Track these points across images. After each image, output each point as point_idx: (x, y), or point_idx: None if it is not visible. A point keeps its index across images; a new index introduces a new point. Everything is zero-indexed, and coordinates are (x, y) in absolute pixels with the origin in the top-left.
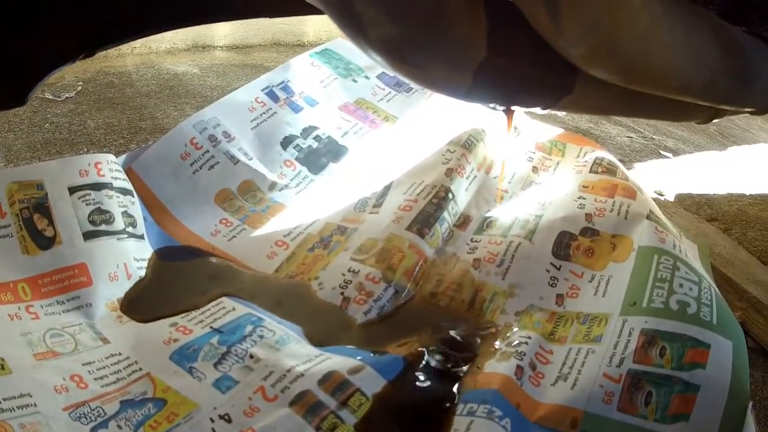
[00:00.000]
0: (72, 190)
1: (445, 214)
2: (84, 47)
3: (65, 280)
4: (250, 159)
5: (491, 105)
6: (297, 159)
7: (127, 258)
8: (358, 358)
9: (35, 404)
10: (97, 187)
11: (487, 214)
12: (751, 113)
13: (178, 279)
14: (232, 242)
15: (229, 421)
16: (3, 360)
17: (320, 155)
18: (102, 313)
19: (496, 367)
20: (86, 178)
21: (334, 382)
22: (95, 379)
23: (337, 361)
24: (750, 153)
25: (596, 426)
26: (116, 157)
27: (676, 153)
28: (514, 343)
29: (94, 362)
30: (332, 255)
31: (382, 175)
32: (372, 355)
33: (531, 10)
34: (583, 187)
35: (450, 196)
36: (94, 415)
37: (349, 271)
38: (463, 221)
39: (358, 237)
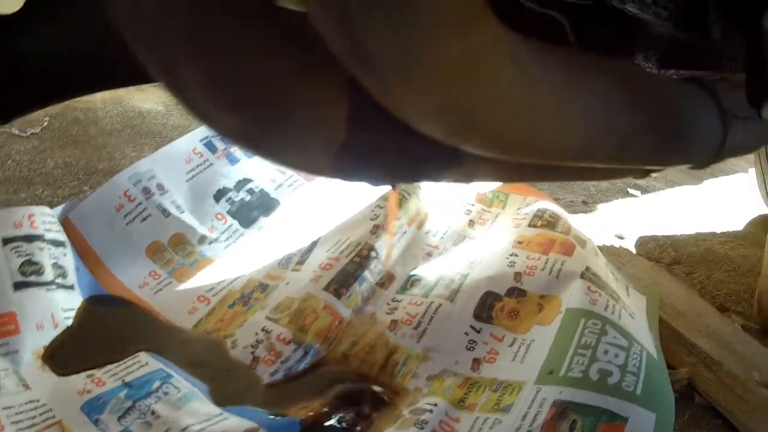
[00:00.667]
0: (5, 242)
1: (367, 273)
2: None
3: None
4: (182, 212)
5: (370, 183)
6: (229, 212)
7: (54, 308)
8: (255, 419)
9: None
10: (30, 239)
11: (413, 272)
12: (691, 168)
13: (101, 330)
14: (158, 295)
15: None
16: None
17: (252, 208)
18: (27, 360)
19: None
20: (19, 230)
21: None
22: (11, 422)
23: (233, 422)
24: (726, 185)
25: None
26: (54, 207)
27: (645, 191)
28: (419, 409)
29: (14, 407)
30: (250, 312)
31: (310, 231)
32: (270, 417)
33: (375, 92)
34: (518, 242)
35: (373, 254)
36: None
37: (262, 330)
38: (386, 280)
39: (277, 295)
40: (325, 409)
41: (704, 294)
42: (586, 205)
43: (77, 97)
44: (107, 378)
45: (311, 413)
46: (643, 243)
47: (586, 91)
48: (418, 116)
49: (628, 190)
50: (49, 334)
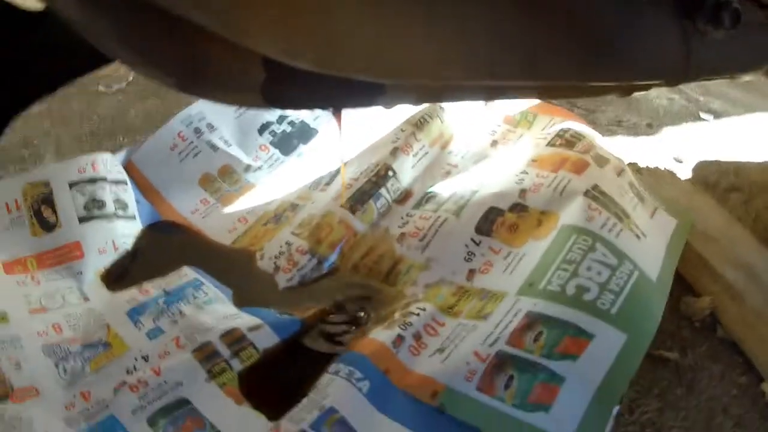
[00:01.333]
0: (71, 185)
1: (383, 190)
2: None
3: (63, 255)
4: (229, 146)
5: (306, 109)
6: (271, 143)
7: (115, 235)
8: (263, 318)
9: (23, 346)
10: (93, 181)
11: (429, 190)
12: (662, 85)
13: (155, 252)
14: (206, 219)
15: (147, 360)
16: (6, 313)
17: (292, 138)
18: (90, 279)
19: (379, 334)
20: (83, 175)
21: (233, 337)
22: (70, 326)
23: (243, 320)
24: None
25: (453, 401)
26: (118, 153)
27: (719, 116)
28: (408, 313)
29: (73, 315)
30: (278, 229)
31: (342, 154)
32: (276, 316)
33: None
34: (532, 161)
35: (390, 173)
36: (60, 351)
37: (285, 243)
38: (404, 197)
39: (303, 213)
40: (327, 310)
41: (757, 224)
42: (650, 128)
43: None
44: (152, 289)
45: (311, 315)
46: (702, 167)
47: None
48: (254, 38)
49: (700, 113)
50: (110, 257)
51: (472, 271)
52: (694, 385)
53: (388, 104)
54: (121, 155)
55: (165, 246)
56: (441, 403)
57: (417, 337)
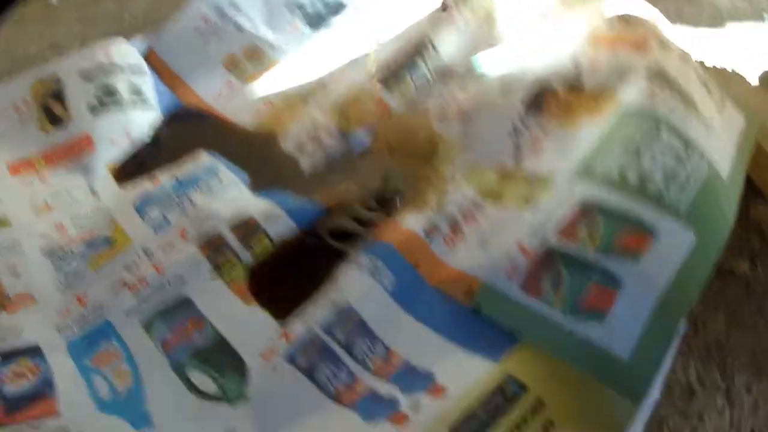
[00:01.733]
0: (83, 76)
1: (421, 64)
2: None
3: (73, 149)
4: (257, 26)
5: None
6: (300, 21)
7: (129, 126)
8: (280, 203)
9: (23, 251)
10: (106, 69)
11: (473, 66)
12: None
13: (176, 140)
14: (230, 103)
15: (149, 256)
16: (7, 217)
17: (322, 14)
18: (101, 173)
19: (410, 221)
20: (96, 63)
21: (246, 228)
22: (75, 226)
23: (259, 206)
24: None
25: (491, 302)
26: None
27: None
28: (446, 196)
29: (80, 213)
30: (305, 109)
31: (376, 31)
32: (295, 201)
33: None
34: (588, 38)
35: (431, 47)
36: (61, 253)
37: (312, 124)
38: (445, 73)
39: (332, 90)
40: (356, 196)
41: None
42: (711, 19)
43: None
44: (164, 177)
45: (337, 201)
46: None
47: None
48: None
49: (764, 14)
50: (123, 148)
51: (519, 153)
52: (764, 304)
53: None
54: (140, 43)
55: (186, 134)
56: (477, 301)
57: (454, 225)
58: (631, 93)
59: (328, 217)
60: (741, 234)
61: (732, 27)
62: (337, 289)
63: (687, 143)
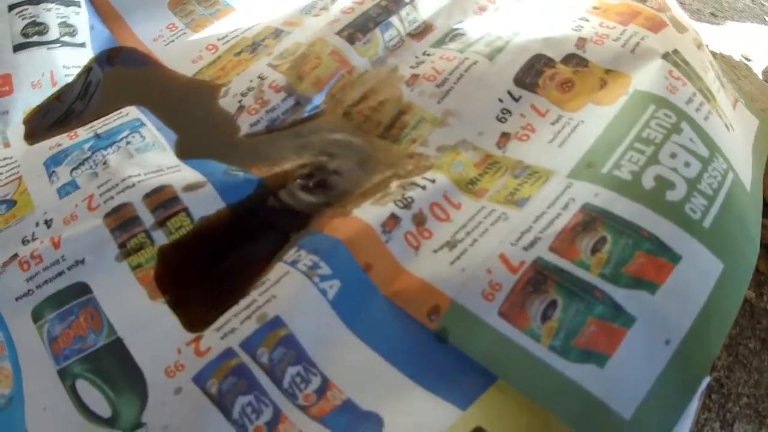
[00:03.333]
0: (11, 8)
1: (394, 18)
2: None
3: None
4: None
5: None
6: None
7: (54, 66)
8: (205, 173)
9: None
10: (36, 1)
11: (456, 26)
12: None
13: (106, 86)
14: (168, 47)
15: (49, 226)
16: None
17: None
18: (17, 119)
19: (364, 211)
20: None
21: (160, 198)
22: None
23: (180, 175)
24: None
25: (461, 325)
26: None
27: None
28: (410, 183)
29: None
30: (252, 60)
31: None
32: (225, 171)
33: None
34: (594, 7)
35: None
36: None
37: (257, 77)
38: (422, 30)
39: (286, 41)
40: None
41: None
42: (714, 17)
43: None
44: (82, 132)
45: (274, 175)
46: None
47: None
48: None
49: (765, 17)
50: (46, 92)
51: (505, 135)
52: None
53: None
54: None
55: (119, 81)
56: (442, 327)
57: (419, 220)
58: (647, 76)
59: (262, 197)
60: None
61: (733, 24)
62: (264, 294)
63: (710, 144)
